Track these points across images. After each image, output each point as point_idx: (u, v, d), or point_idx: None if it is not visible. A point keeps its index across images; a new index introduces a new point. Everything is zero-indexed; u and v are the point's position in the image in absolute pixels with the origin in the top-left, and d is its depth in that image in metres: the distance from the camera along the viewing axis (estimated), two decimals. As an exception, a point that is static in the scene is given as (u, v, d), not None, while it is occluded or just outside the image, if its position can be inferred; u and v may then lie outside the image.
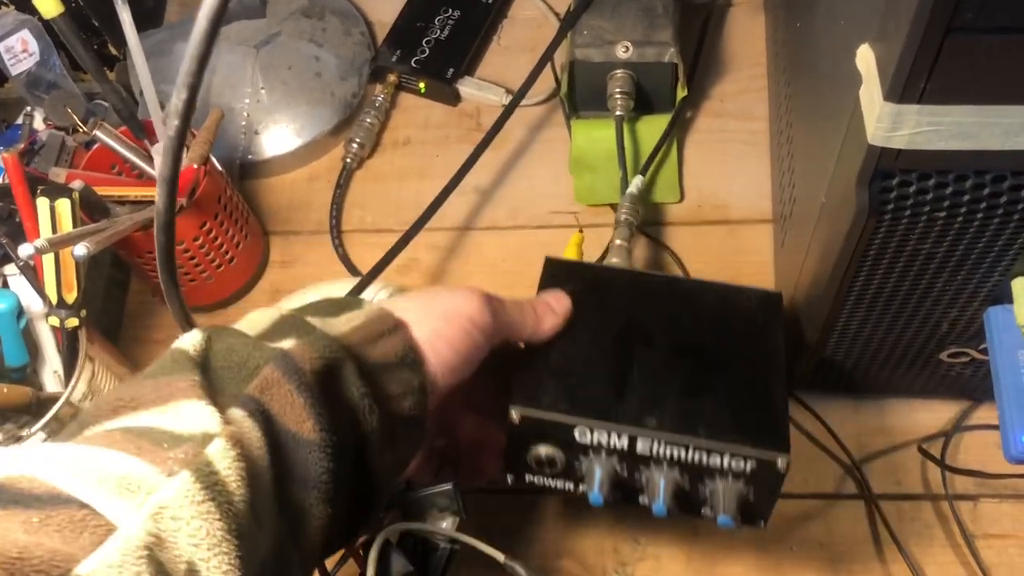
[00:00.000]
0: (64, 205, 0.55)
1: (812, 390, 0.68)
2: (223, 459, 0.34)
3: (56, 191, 0.55)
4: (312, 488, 0.39)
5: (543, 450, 0.52)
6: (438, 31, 0.84)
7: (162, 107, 0.69)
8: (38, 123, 0.78)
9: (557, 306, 0.54)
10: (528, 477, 0.54)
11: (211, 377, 0.39)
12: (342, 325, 0.44)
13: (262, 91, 0.81)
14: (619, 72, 0.75)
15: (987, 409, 0.66)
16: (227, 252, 0.72)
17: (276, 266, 0.78)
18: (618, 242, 0.70)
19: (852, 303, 0.55)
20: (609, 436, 0.51)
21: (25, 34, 0.75)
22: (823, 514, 0.64)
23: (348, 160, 0.81)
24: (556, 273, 0.59)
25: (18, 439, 0.56)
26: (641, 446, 0.50)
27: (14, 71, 0.76)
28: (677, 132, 0.78)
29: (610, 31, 0.75)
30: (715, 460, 0.50)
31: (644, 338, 0.55)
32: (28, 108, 0.78)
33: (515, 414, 0.50)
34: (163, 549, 0.31)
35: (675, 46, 0.73)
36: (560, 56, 0.78)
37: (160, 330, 0.76)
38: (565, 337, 0.55)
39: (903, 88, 0.40)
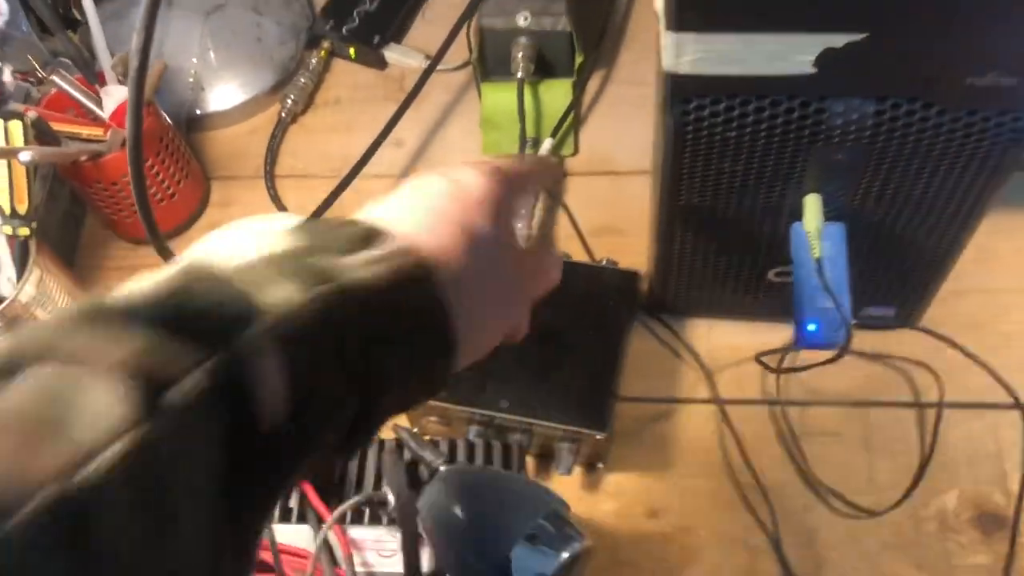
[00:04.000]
0: (16, 126, 0.65)
1: (674, 313, 0.78)
2: (103, 491, 0.25)
3: (10, 114, 0.65)
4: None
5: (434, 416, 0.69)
6: (368, 4, 0.94)
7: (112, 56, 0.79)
8: (6, 76, 0.88)
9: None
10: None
11: (178, 329, 0.29)
12: (359, 269, 0.35)
13: (209, 53, 0.91)
14: (521, 39, 0.85)
15: (823, 331, 0.76)
16: (169, 188, 0.82)
17: (216, 206, 0.88)
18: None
19: (681, 223, 0.66)
20: (473, 414, 0.67)
21: (-3, -5, 0.85)
22: (675, 415, 0.74)
23: (283, 115, 0.91)
24: None
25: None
26: (498, 421, 0.67)
27: (-15, 29, 0.86)
28: (575, 93, 0.88)
29: (513, 3, 0.85)
30: (553, 432, 0.67)
31: None
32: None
33: None
34: None
35: (568, 16, 0.84)
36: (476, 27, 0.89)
37: (113, 259, 0.86)
38: None
39: (677, 19, 0.50)
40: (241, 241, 0.35)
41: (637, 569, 0.69)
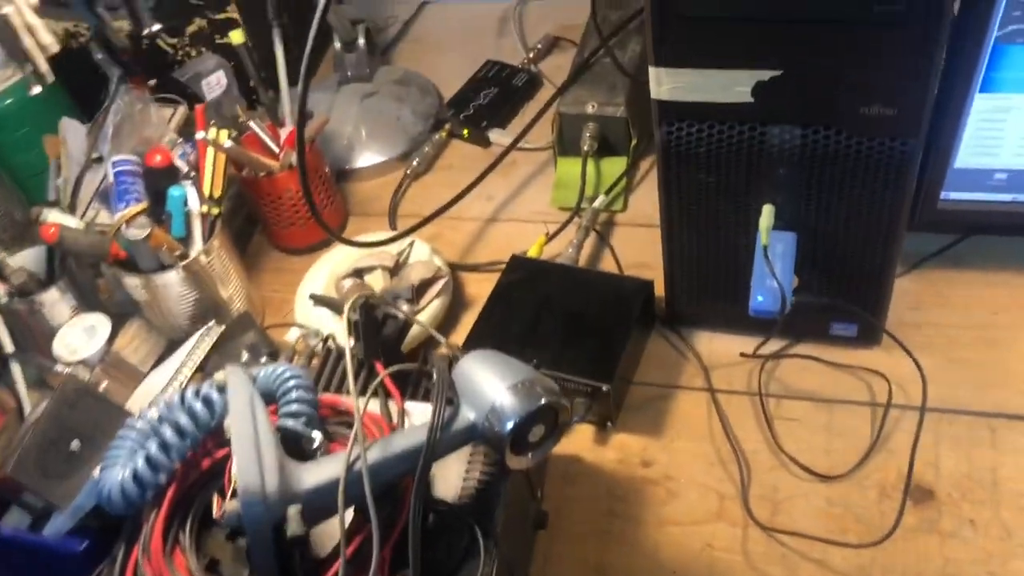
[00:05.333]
0: (224, 132, 0.95)
1: (685, 325, 0.98)
2: None
3: (222, 123, 0.96)
4: None
5: None
6: (481, 99, 1.24)
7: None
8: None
9: None
10: None
11: None
12: None
13: (361, 126, 1.22)
14: (589, 123, 1.12)
15: (804, 346, 0.94)
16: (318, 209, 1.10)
17: (350, 233, 1.16)
18: (570, 250, 1.04)
19: (678, 232, 0.88)
20: None
21: (220, 74, 1.19)
22: (676, 397, 0.93)
23: (408, 173, 1.20)
24: (514, 265, 1.00)
25: (165, 265, 0.93)
26: None
27: (208, 97, 1.19)
28: (628, 166, 1.13)
29: (585, 96, 1.12)
30: (570, 385, 0.87)
31: (551, 310, 0.94)
32: (212, 120, 1.21)
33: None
34: None
35: (625, 107, 1.10)
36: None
37: (269, 262, 1.15)
38: (506, 307, 0.94)
39: (655, 57, 0.75)
40: None
41: (627, 503, 0.87)
